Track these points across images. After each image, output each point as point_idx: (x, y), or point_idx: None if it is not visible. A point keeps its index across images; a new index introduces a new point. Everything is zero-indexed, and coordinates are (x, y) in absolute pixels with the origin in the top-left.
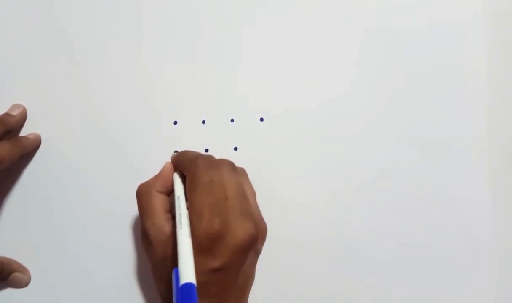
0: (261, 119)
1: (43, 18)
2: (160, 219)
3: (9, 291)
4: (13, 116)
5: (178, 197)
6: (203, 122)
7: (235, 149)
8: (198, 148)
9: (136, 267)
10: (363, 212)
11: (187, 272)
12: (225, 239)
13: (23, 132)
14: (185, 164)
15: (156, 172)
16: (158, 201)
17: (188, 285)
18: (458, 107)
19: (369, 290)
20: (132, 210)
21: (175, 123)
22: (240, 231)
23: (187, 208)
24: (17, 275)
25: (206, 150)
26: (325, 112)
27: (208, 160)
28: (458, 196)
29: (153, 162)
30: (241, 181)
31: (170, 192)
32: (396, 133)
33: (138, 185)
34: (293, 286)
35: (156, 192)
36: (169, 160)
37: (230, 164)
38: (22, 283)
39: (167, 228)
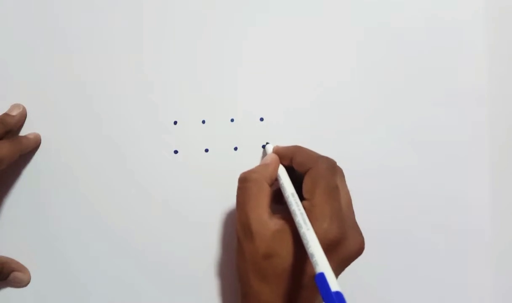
0: (261, 119)
1: (43, 18)
2: (266, 214)
3: (9, 291)
4: (13, 116)
5: (292, 194)
6: (203, 122)
7: (235, 149)
8: (198, 148)
9: (135, 265)
10: (363, 212)
11: (334, 281)
12: (339, 248)
13: (23, 132)
14: (306, 160)
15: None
16: (266, 194)
17: (339, 294)
18: (458, 107)
19: (368, 289)
20: (131, 209)
21: (175, 123)
22: (354, 243)
23: (304, 207)
24: (17, 274)
25: (206, 150)
26: (325, 112)
27: (330, 164)
28: (458, 195)
29: (153, 162)
30: (347, 188)
31: (272, 184)
32: (396, 132)
33: (244, 171)
34: None
35: (265, 184)
36: (272, 151)
37: (342, 171)
38: (22, 283)
39: (272, 224)
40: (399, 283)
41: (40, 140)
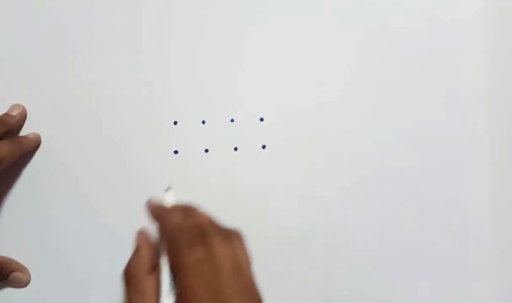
0: (261, 119)
1: (43, 18)
2: None
3: (9, 291)
4: (13, 116)
5: (166, 273)
6: (203, 122)
7: (235, 149)
8: (198, 148)
9: None
10: (363, 212)
11: None
12: None
13: (23, 132)
14: (162, 236)
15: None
16: (150, 285)
17: None
18: (458, 107)
19: (368, 289)
20: (131, 209)
21: (175, 123)
22: None
23: (175, 290)
24: (17, 274)
25: (206, 150)
26: (325, 112)
27: (190, 235)
28: (458, 195)
29: (153, 162)
30: (236, 250)
31: (156, 264)
32: (396, 133)
33: (124, 267)
34: (292, 287)
35: (144, 277)
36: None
37: (222, 232)
38: (21, 283)
39: None
40: (399, 283)
41: (40, 140)
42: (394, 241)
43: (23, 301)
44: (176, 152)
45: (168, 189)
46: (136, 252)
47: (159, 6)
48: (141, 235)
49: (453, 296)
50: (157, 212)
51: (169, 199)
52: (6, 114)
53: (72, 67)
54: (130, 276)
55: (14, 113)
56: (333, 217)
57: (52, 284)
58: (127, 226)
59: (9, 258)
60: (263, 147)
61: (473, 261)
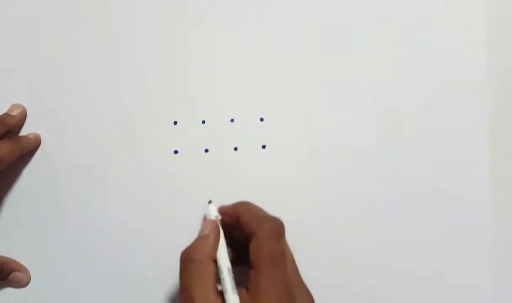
0: (261, 119)
1: (43, 18)
2: (213, 294)
3: (9, 291)
4: (13, 116)
5: (229, 269)
6: (203, 122)
7: (235, 149)
8: (198, 148)
9: (134, 265)
10: (363, 211)
11: None
12: None
13: (23, 132)
14: (250, 223)
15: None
16: (211, 272)
17: None
18: (458, 105)
19: (368, 289)
20: (131, 210)
21: (175, 123)
22: None
23: (250, 276)
24: (17, 274)
25: (206, 150)
26: (325, 112)
27: (275, 228)
28: (458, 195)
29: (153, 162)
30: (290, 252)
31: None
32: (397, 132)
33: (185, 249)
34: None
35: (209, 263)
36: (211, 218)
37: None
38: (22, 283)
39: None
40: (399, 283)
41: (40, 140)
42: (394, 241)
43: (23, 301)
44: (176, 152)
45: (210, 202)
46: (205, 238)
47: (159, 6)
48: (211, 224)
49: (453, 296)
50: (233, 207)
51: (213, 212)
52: (6, 114)
53: (72, 67)
54: (195, 259)
55: (14, 113)
56: (332, 217)
57: (52, 284)
58: (127, 226)
59: (9, 258)
60: (263, 147)
61: (473, 261)
